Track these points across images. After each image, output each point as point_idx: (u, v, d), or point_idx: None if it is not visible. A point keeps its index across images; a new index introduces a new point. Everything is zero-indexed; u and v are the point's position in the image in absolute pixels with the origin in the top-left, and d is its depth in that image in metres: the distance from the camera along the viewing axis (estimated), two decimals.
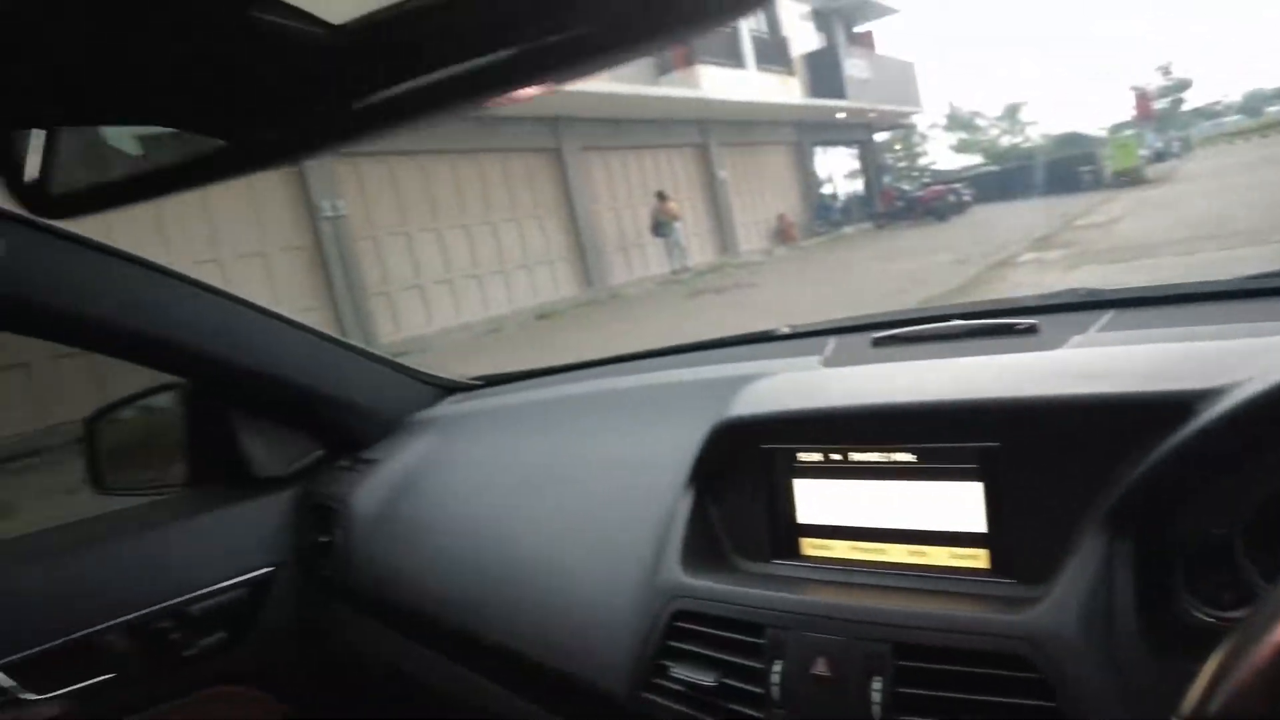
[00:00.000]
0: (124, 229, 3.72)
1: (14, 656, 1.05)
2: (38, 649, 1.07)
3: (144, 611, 1.15)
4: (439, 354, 8.99)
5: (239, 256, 8.89)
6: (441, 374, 1.51)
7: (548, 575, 0.93)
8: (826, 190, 21.05)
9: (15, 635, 1.07)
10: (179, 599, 1.18)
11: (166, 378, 1.31)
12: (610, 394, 1.18)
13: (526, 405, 1.28)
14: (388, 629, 1.18)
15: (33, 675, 1.06)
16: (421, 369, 1.48)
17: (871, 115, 21.23)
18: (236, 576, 1.23)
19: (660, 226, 13.83)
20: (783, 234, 17.79)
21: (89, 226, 0.80)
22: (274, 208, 9.30)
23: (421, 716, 1.20)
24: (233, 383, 1.24)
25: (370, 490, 1.23)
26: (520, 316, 11.31)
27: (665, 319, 9.25)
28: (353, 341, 1.40)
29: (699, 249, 15.09)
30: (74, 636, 1.10)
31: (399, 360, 1.47)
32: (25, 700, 1.05)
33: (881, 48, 23.82)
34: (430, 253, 10.98)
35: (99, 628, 1.12)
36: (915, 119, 27.55)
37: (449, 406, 1.40)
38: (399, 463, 1.26)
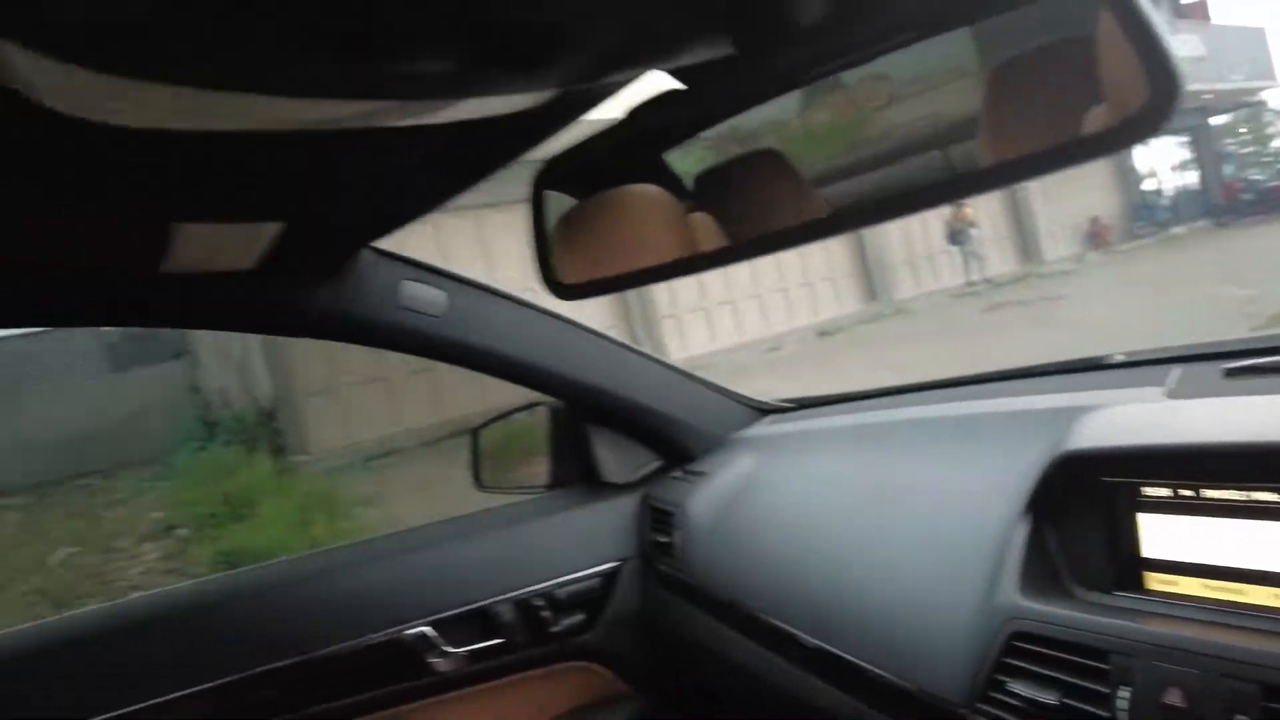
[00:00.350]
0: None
1: (436, 616, 1.35)
2: (451, 612, 1.36)
3: (524, 591, 1.41)
4: (722, 372, 9.27)
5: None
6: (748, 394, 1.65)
7: (878, 588, 1.01)
8: (1149, 186, 18.57)
9: (437, 601, 1.36)
10: (549, 583, 1.42)
11: (536, 396, 1.59)
12: (934, 421, 1.22)
13: (846, 429, 1.37)
14: (718, 622, 1.33)
15: (449, 633, 1.35)
16: (738, 391, 1.64)
17: (1207, 97, 18.35)
18: (592, 567, 1.46)
19: (956, 234, 13.09)
20: (1096, 237, 16.00)
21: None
22: None
23: (744, 700, 1.33)
24: (591, 402, 1.47)
25: (703, 499, 1.39)
26: (801, 334, 11.34)
27: (958, 335, 8.76)
28: (681, 367, 1.59)
29: (997, 257, 14.06)
30: (475, 605, 1.38)
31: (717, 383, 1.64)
32: (445, 651, 1.34)
33: (1219, 16, 20.55)
34: (713, 275, 11.36)
35: (492, 600, 1.39)
36: (1266, 95, 23.31)
37: (767, 427, 1.53)
38: (726, 476, 1.41)
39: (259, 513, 5.98)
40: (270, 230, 0.84)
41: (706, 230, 0.60)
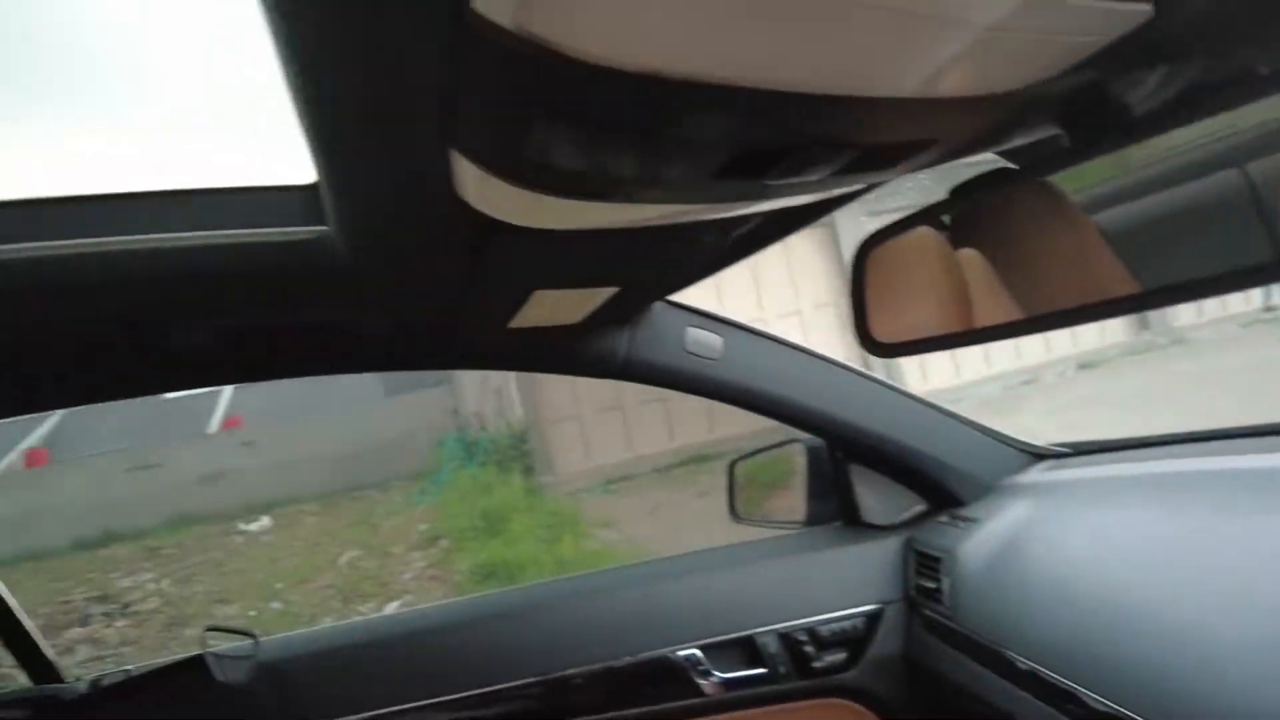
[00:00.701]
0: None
1: (704, 640, 1.41)
2: (718, 638, 1.42)
3: (787, 624, 1.43)
4: (970, 405, 8.75)
5: (779, 316, 9.93)
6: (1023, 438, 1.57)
7: (1183, 653, 0.93)
8: None
9: (704, 626, 1.43)
10: (812, 619, 1.44)
11: (783, 433, 1.62)
12: (1242, 473, 1.11)
13: (1136, 479, 1.27)
14: (987, 670, 1.27)
15: (715, 658, 1.41)
16: (1009, 433, 1.56)
17: None
18: (854, 607, 1.45)
19: None
20: None
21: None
22: (808, 268, 10.16)
23: None
24: (853, 441, 1.48)
25: (975, 546, 1.35)
26: (1060, 366, 10.39)
27: (1252, 368, 7.61)
28: (948, 407, 1.55)
29: None
30: (740, 634, 1.42)
31: (987, 425, 1.57)
32: (712, 675, 1.40)
33: None
34: None
35: (756, 630, 1.43)
36: None
37: (1044, 474, 1.45)
38: (1000, 524, 1.35)
39: (511, 529, 6.48)
40: (606, 294, 0.97)
41: (1023, 296, 0.62)
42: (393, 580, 6.32)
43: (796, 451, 1.68)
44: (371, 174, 0.63)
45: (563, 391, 8.23)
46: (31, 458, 11.16)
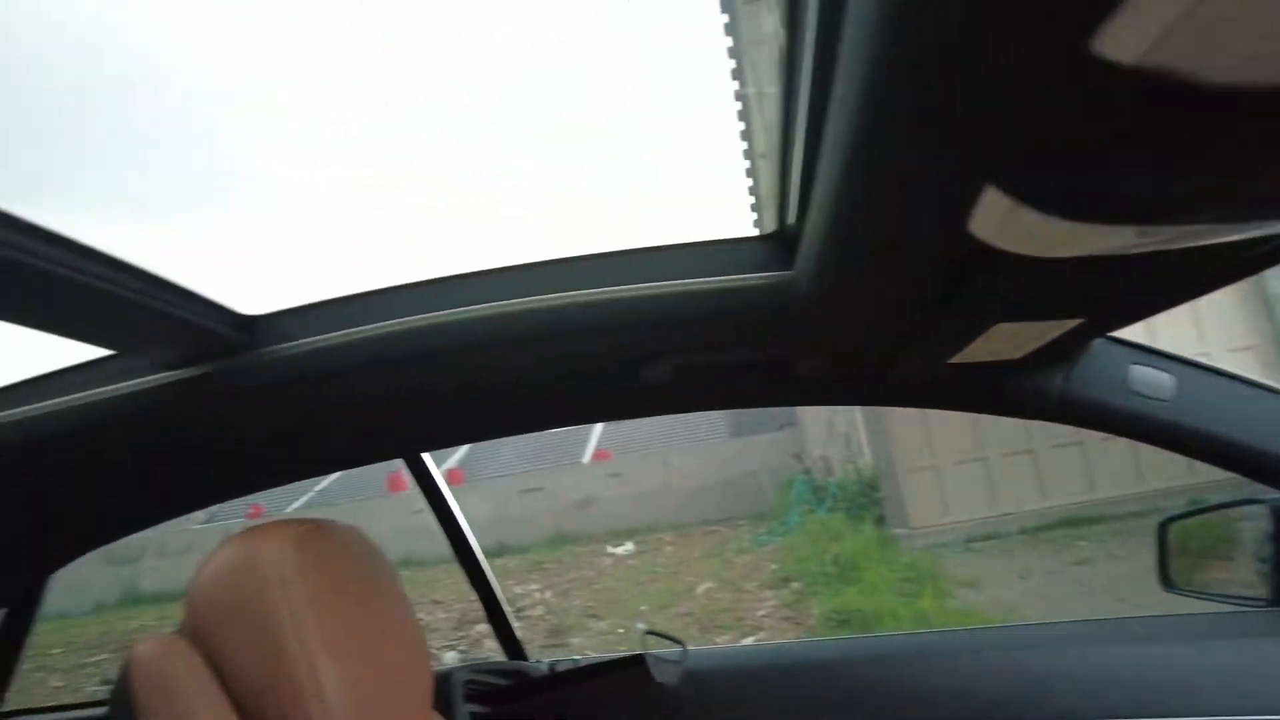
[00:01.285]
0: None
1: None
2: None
3: (1237, 717, 1.25)
4: None
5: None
6: None
7: None
8: None
9: (1126, 702, 1.29)
10: (1253, 717, 1.23)
11: (1238, 492, 1.41)
12: None
13: None
14: None
15: None
16: None
17: None
18: None
19: None
20: None
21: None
22: (1215, 305, 8.66)
23: None
24: None
25: None
26: None
27: None
28: None
29: None
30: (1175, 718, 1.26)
31: None
32: None
33: None
34: None
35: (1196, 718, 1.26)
36: None
37: None
38: None
39: (864, 577, 6.33)
40: (1067, 326, 0.91)
41: None
42: (746, 615, 6.50)
43: (1256, 515, 1.46)
44: (875, 219, 0.62)
45: (918, 439, 7.89)
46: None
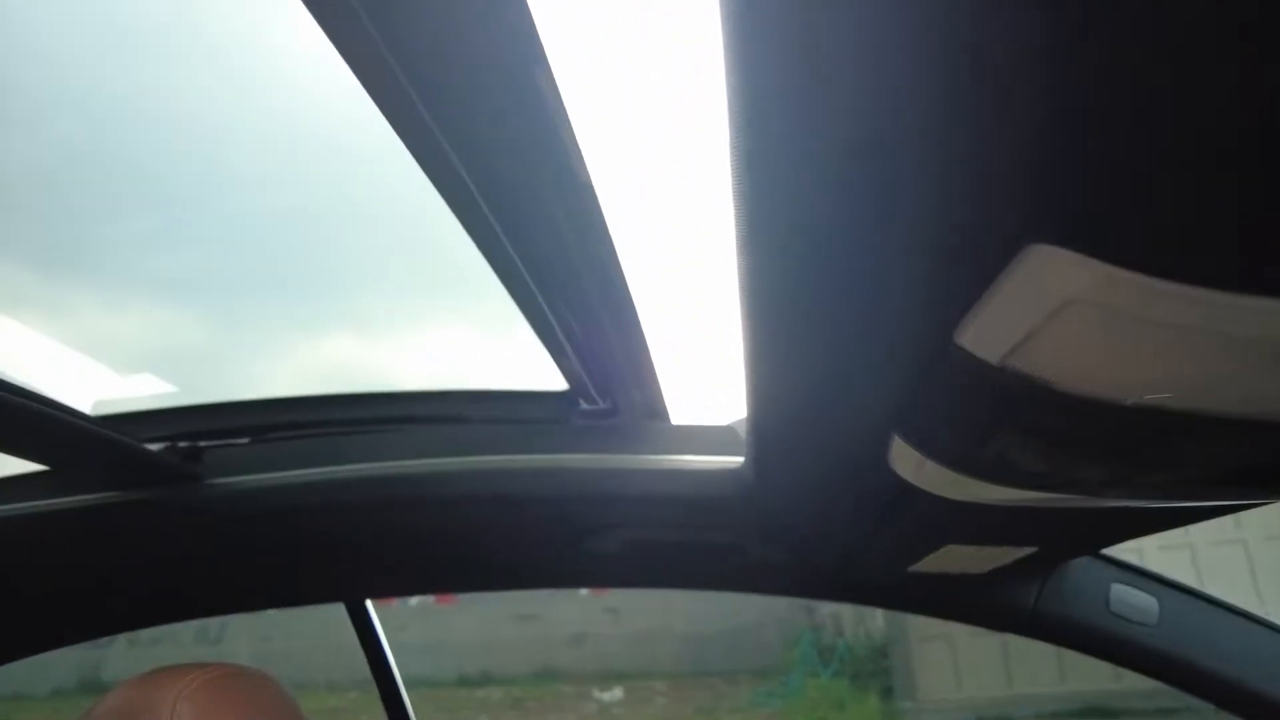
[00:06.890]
0: None
1: None
2: None
3: None
4: None
5: (1211, 544, 8.17)
6: None
7: None
8: None
9: None
10: None
11: None
12: None
13: None
14: None
15: None
16: None
17: None
18: None
19: None
20: None
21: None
22: None
23: None
24: None
25: None
26: None
27: None
28: None
29: None
30: None
31: None
32: None
33: None
34: None
35: None
36: None
37: None
38: None
39: None
40: (1021, 553, 0.92)
41: None
42: None
43: None
44: (804, 433, 0.67)
45: None
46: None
